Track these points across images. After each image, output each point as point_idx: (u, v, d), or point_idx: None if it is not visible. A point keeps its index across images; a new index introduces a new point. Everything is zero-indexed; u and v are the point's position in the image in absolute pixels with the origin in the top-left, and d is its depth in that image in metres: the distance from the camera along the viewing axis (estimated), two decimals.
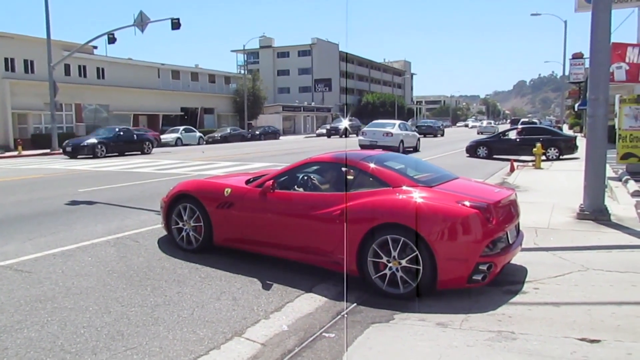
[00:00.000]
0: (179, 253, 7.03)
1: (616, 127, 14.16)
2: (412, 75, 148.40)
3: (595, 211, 8.75)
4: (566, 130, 51.43)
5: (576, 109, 53.00)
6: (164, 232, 7.71)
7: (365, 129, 29.28)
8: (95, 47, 48.88)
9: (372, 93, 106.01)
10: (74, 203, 11.20)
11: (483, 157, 23.41)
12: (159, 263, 6.66)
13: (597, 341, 4.19)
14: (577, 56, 51.12)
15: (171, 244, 7.35)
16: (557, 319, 4.68)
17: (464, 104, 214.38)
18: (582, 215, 8.82)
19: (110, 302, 5.32)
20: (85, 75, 47.15)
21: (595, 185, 8.82)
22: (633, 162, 13.95)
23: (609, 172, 14.33)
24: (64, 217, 9.57)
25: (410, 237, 5.16)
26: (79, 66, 46.30)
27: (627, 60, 16.24)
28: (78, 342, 4.42)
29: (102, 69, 48.78)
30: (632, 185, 12.34)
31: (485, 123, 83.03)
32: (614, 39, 12.40)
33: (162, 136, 42.78)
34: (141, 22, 31.41)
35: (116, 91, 48.15)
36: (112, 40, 32.27)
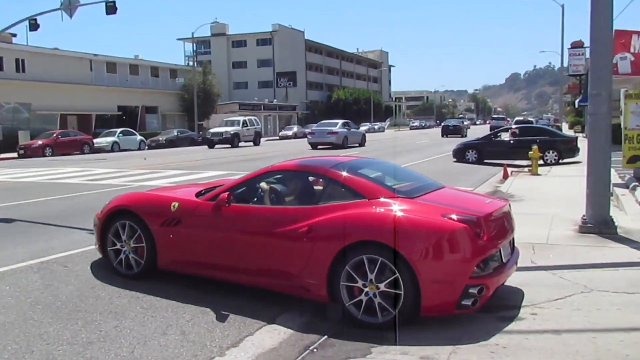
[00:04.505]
0: (116, 279, 6.94)
1: (621, 126, 14.37)
2: (389, 67, 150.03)
3: (599, 223, 8.90)
4: (566, 130, 52.55)
5: (576, 106, 54.23)
6: (99, 255, 7.59)
7: (313, 127, 39.59)
8: (14, 35, 48.17)
9: (344, 88, 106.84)
10: None
11: (472, 162, 23.73)
12: (92, 292, 6.55)
13: None
14: (577, 45, 52.30)
15: (107, 269, 7.24)
16: (557, 348, 4.75)
17: (450, 100, 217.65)
18: (584, 228, 8.96)
19: (34, 340, 5.21)
20: (1, 69, 46.23)
21: (599, 193, 8.97)
22: None
23: (615, 178, 14.62)
24: None
25: (389, 257, 5.19)
26: None
27: (632, 50, 16.65)
28: None
29: (23, 61, 47.94)
30: None
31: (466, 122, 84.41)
32: (617, 25, 12.71)
33: (95, 140, 42.29)
34: (69, 5, 30.95)
35: (40, 87, 47.35)
36: (34, 26, 31.70)
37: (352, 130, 40.20)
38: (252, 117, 49.60)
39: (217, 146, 43.39)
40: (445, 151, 30.38)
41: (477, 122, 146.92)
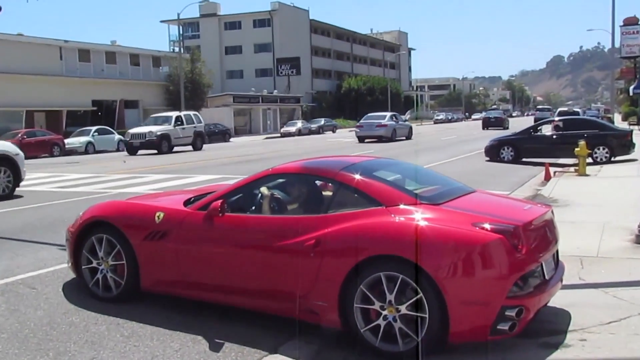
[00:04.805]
0: (93, 303, 6.95)
1: None
2: (409, 51, 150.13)
3: None
4: (618, 122, 52.33)
5: (631, 93, 53.92)
6: (72, 275, 7.62)
7: (361, 121, 45.88)
8: None
9: (356, 77, 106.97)
10: None
11: (508, 161, 23.69)
12: (65, 318, 6.57)
13: None
14: (630, 22, 52.11)
15: (82, 291, 7.26)
16: None
17: (481, 89, 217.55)
18: None
19: None
20: None
21: None
22: None
23: None
24: None
25: (410, 274, 5.19)
26: None
27: None
28: None
29: None
30: None
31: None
32: None
33: (66, 140, 42.50)
34: None
35: (1, 79, 47.58)
36: None
37: (400, 122, 46.09)
38: (192, 113, 44.57)
39: (140, 152, 38.40)
40: (475, 149, 30.36)
41: (514, 114, 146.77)
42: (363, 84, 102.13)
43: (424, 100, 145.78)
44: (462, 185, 6.81)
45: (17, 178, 16.88)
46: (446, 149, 32.89)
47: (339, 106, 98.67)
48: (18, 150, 17.43)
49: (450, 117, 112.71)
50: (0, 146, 17.19)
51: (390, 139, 42.31)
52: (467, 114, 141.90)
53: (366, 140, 42.59)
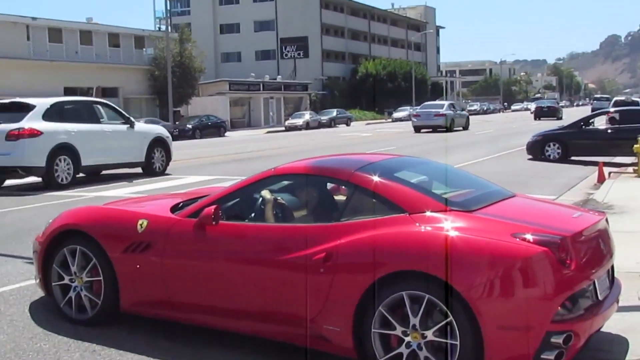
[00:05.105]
0: (64, 326, 6.94)
1: None
2: (437, 29, 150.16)
3: None
4: None
5: None
6: (41, 293, 7.64)
7: (418, 110, 53.45)
8: None
9: (375, 60, 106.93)
10: None
11: (554, 160, 23.62)
12: (32, 344, 6.57)
13: None
14: None
15: (52, 312, 7.26)
16: None
17: (522, 74, 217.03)
18: None
19: None
20: None
21: None
22: None
23: None
24: None
25: (439, 294, 5.17)
26: None
27: None
28: None
29: None
30: None
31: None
32: None
33: None
34: None
35: None
36: None
37: (457, 112, 52.76)
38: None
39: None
40: (516, 145, 30.28)
41: (561, 104, 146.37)
42: (382, 69, 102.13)
43: (455, 87, 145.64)
44: (499, 188, 6.80)
45: (168, 157, 23.16)
46: (481, 146, 32.88)
47: (354, 95, 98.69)
48: (168, 134, 23.89)
49: (485, 108, 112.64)
50: (156, 129, 24.19)
51: (448, 129, 47.37)
52: (505, 104, 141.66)
53: (422, 131, 48.14)
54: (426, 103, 55.78)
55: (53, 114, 19.54)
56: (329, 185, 6.58)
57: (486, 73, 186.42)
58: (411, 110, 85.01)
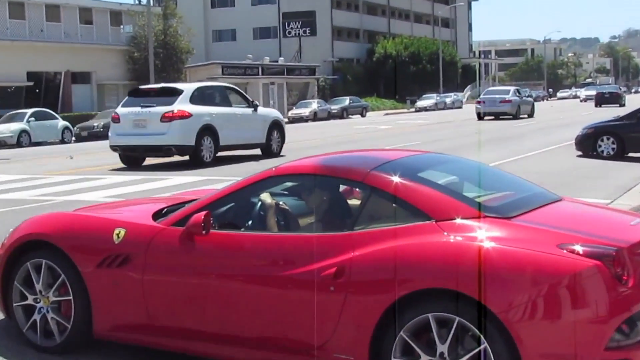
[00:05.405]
0: (29, 354, 6.95)
1: None
2: (469, 2, 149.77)
3: None
4: None
5: None
6: (0, 316, 7.64)
7: (483, 96, 58.63)
8: None
9: (394, 38, 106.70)
10: None
11: (608, 156, 23.50)
12: None
13: None
14: None
15: (13, 338, 7.25)
16: None
17: (570, 55, 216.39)
18: None
19: None
20: None
21: None
22: None
23: None
24: None
25: (471, 316, 5.15)
26: None
27: None
28: None
29: None
30: None
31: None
32: None
33: None
34: None
35: None
36: None
37: (523, 98, 59.06)
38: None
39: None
40: (562, 139, 30.27)
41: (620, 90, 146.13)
42: (404, 49, 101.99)
43: (490, 71, 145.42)
44: (543, 190, 6.79)
45: (283, 140, 28.85)
46: (521, 140, 32.86)
47: (371, 80, 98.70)
48: (282, 117, 30.63)
49: (527, 95, 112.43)
50: (274, 113, 30.72)
51: (515, 116, 54.05)
52: (550, 90, 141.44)
53: (486, 118, 54.11)
54: (490, 89, 64.71)
55: (197, 97, 25.21)
56: (341, 187, 6.56)
57: (527, 54, 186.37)
58: (438, 98, 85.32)
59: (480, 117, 54.24)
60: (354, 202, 6.39)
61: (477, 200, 6.04)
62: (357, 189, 6.34)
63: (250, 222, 6.56)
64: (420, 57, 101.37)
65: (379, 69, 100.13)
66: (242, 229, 6.50)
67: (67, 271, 6.86)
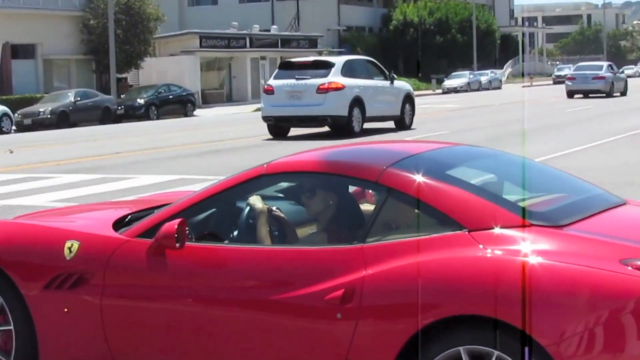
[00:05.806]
0: None
1: None
2: None
3: None
4: None
5: None
6: None
7: (572, 72, 67.32)
8: None
9: (416, 1, 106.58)
10: None
11: None
12: None
13: None
14: None
15: None
16: None
17: (636, 22, 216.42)
18: None
19: None
20: None
21: None
22: None
23: None
24: None
25: (513, 350, 5.14)
26: None
27: None
28: None
29: None
30: None
31: None
32: None
33: None
34: None
35: None
36: None
37: (617, 74, 66.83)
38: None
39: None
40: (627, 128, 30.32)
41: None
42: (429, 15, 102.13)
43: (536, 43, 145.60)
44: (602, 192, 6.78)
45: (413, 112, 36.27)
46: (574, 129, 32.96)
47: (387, 54, 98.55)
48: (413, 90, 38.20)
49: (620, 71, 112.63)
50: (407, 86, 37.70)
51: (609, 93, 61.04)
52: (610, 65, 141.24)
53: (575, 96, 61.19)
54: (581, 64, 70.28)
55: (346, 70, 33.09)
56: (350, 189, 6.55)
57: (582, 21, 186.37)
58: (471, 76, 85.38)
59: (569, 95, 61.07)
60: (366, 207, 6.36)
61: (521, 204, 6.01)
62: (370, 191, 6.32)
63: (236, 233, 6.53)
64: (449, 25, 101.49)
65: (397, 40, 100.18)
66: (226, 242, 6.46)
67: (5, 294, 6.86)
